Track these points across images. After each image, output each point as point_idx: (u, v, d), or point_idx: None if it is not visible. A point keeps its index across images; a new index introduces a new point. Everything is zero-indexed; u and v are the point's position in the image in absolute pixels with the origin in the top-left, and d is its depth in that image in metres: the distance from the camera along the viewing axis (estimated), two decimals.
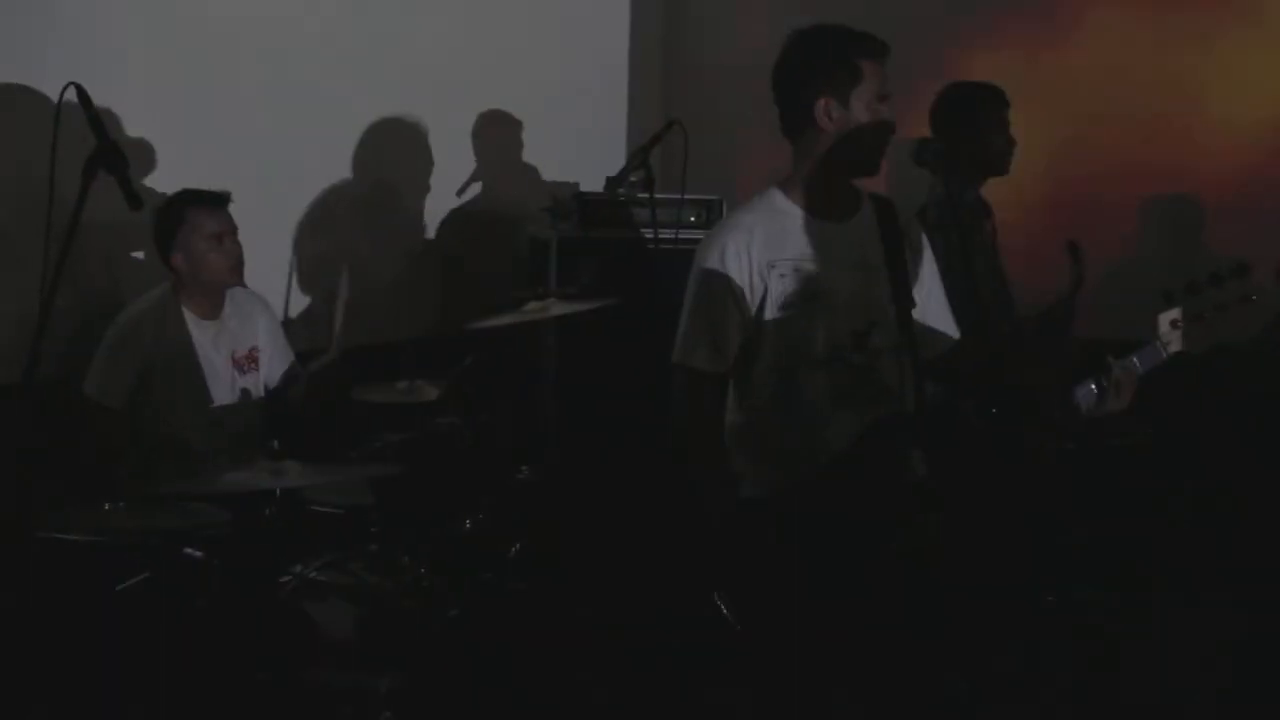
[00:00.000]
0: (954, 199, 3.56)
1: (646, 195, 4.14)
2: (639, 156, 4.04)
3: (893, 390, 2.83)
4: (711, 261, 2.81)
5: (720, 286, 2.79)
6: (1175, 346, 2.86)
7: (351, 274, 3.74)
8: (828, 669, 2.64)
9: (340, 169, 4.72)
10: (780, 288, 2.79)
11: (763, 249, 2.79)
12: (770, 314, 2.79)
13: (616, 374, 4.26)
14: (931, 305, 2.94)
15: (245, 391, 3.75)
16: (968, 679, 2.90)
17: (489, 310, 3.80)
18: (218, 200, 3.64)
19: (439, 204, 5.06)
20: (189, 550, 2.90)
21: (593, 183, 5.04)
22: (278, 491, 2.89)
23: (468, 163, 5.12)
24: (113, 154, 2.62)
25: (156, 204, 3.65)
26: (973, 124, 3.90)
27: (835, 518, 2.70)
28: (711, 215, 4.77)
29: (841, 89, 2.78)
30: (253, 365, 3.78)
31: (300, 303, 4.57)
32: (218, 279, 3.66)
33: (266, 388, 3.83)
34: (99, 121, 2.65)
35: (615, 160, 5.39)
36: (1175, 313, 2.82)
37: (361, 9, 4.73)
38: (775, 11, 5.40)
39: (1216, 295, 2.76)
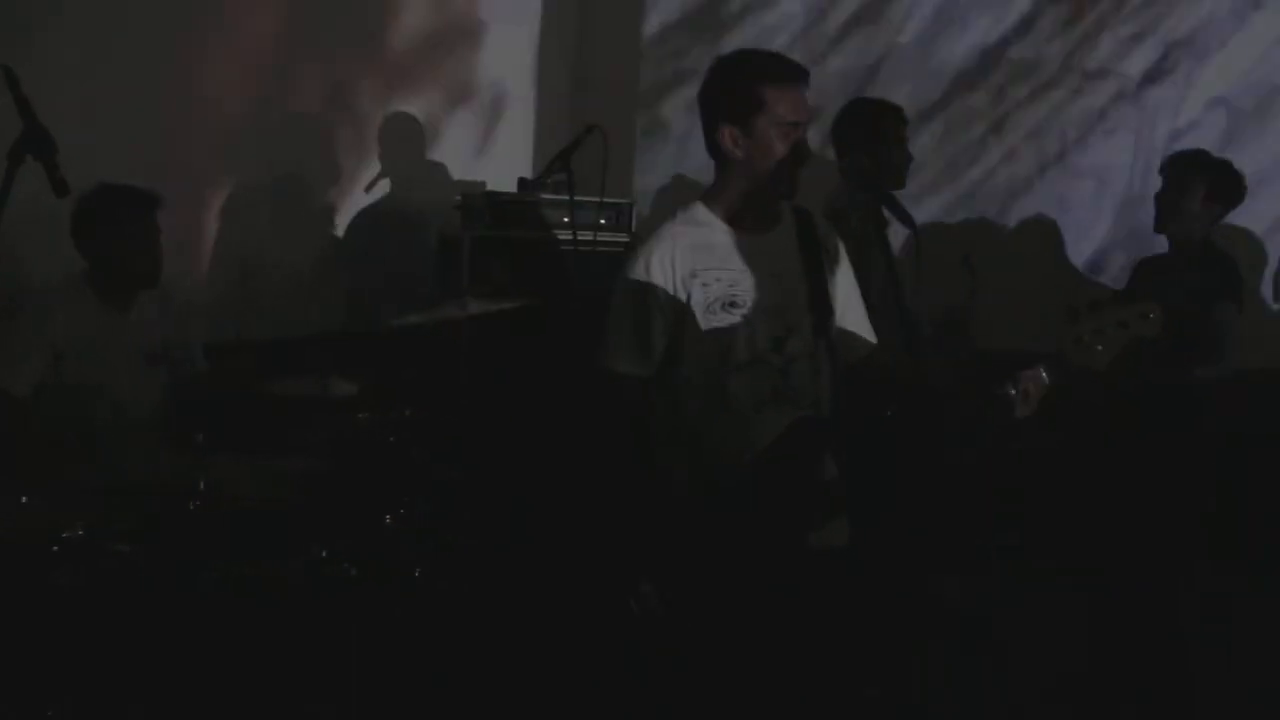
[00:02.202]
0: (854, 210, 3.68)
1: (565, 197, 4.17)
2: (560, 159, 4.08)
3: (809, 394, 2.92)
4: (637, 270, 2.89)
5: (644, 294, 2.87)
6: (1080, 359, 2.98)
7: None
8: (755, 658, 2.72)
9: (247, 164, 4.67)
10: (702, 296, 2.87)
11: (685, 259, 2.87)
12: (693, 321, 2.87)
13: (530, 373, 4.29)
14: (850, 312, 3.05)
15: (154, 383, 3.70)
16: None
17: (405, 307, 3.80)
18: (147, 201, 3.59)
19: (347, 200, 5.03)
20: (116, 546, 2.84)
21: (499, 183, 5.07)
22: (201, 485, 2.86)
23: (375, 159, 5.10)
24: (41, 138, 2.57)
25: (79, 194, 3.55)
26: (871, 140, 4.03)
27: (757, 515, 2.79)
28: (621, 219, 4.83)
29: (743, 117, 2.84)
30: (162, 358, 3.73)
31: (205, 296, 4.50)
32: (137, 279, 3.61)
33: (175, 381, 3.77)
34: (27, 104, 2.60)
35: (521, 161, 5.45)
36: (1080, 327, 2.94)
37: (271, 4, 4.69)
38: (682, 21, 5.55)
39: (1119, 312, 2.88)
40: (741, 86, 2.83)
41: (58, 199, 2.64)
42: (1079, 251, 5.02)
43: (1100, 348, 2.83)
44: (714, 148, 2.90)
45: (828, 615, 2.84)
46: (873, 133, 4.05)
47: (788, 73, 2.85)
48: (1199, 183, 4.06)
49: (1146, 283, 4.13)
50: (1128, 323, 2.81)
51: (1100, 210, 5.02)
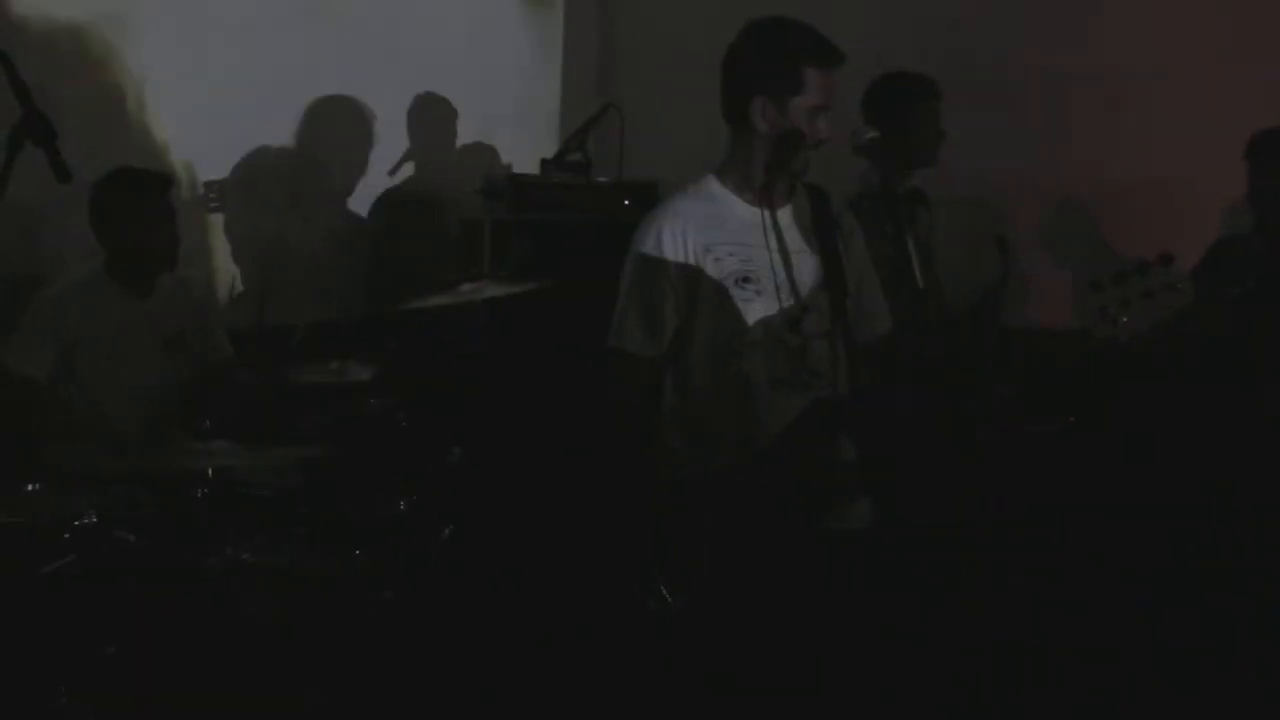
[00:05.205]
0: (889, 188, 3.59)
1: (583, 177, 4.11)
2: (576, 139, 4.01)
3: (826, 374, 2.86)
4: (648, 246, 2.84)
5: (656, 271, 2.82)
6: (1103, 331, 2.93)
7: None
8: (763, 644, 2.67)
9: (269, 146, 4.64)
10: (715, 272, 2.82)
11: (698, 234, 2.82)
12: (705, 298, 2.82)
13: (548, 356, 4.25)
14: (864, 291, 2.98)
15: (173, 372, 3.69)
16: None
17: (422, 291, 3.76)
18: (161, 183, 3.57)
19: (371, 183, 5.00)
20: (119, 533, 2.83)
21: (525, 164, 5.01)
22: (209, 472, 2.84)
23: (400, 142, 5.07)
24: (40, 124, 2.55)
25: (96, 179, 3.55)
26: (903, 115, 3.92)
27: (770, 499, 2.73)
28: (646, 198, 4.76)
29: (781, 93, 2.78)
30: (182, 346, 3.71)
31: (227, 282, 4.49)
32: (153, 264, 3.60)
33: (196, 369, 3.76)
34: (25, 90, 2.58)
35: (549, 142, 5.39)
36: (1104, 298, 2.89)
37: None
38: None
39: (1142, 284, 2.83)
40: (784, 63, 2.77)
41: (60, 184, 2.61)
42: None
43: (1125, 319, 2.78)
44: (738, 115, 2.84)
45: (848, 599, 2.78)
46: (903, 108, 3.94)
47: (829, 56, 2.79)
48: None
49: (1218, 263, 3.93)
50: (1153, 292, 2.76)
51: None
